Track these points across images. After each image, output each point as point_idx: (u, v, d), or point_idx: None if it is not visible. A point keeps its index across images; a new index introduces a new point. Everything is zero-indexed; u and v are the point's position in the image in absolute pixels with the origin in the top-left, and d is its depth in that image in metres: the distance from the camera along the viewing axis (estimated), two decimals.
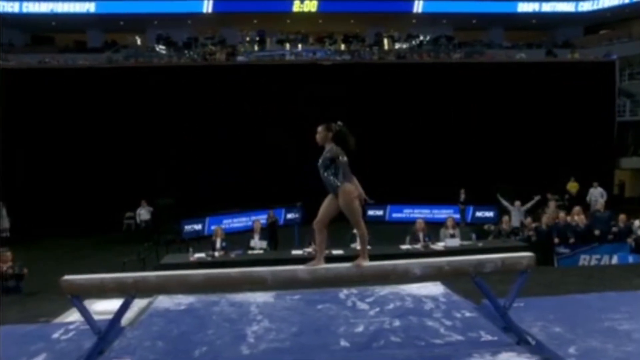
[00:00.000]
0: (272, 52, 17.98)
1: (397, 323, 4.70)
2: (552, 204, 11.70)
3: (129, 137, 15.53)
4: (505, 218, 10.11)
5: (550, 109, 16.61)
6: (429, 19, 22.08)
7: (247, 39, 19.78)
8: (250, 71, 16.38)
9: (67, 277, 3.79)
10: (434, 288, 5.84)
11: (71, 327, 4.65)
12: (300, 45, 20.09)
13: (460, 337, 4.34)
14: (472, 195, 14.63)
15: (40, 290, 6.98)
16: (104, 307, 5.43)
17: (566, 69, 17.58)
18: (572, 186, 16.25)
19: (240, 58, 17.34)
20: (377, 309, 5.15)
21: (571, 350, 3.88)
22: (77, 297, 3.79)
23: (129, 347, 4.32)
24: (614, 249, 9.16)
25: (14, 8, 19.16)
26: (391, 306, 5.24)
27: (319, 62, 16.54)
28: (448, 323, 4.66)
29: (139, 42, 20.70)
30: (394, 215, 15.09)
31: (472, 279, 4.09)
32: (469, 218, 14.51)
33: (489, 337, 4.30)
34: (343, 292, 5.75)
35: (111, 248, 11.85)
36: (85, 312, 3.80)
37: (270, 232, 9.65)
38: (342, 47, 20.40)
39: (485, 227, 10.96)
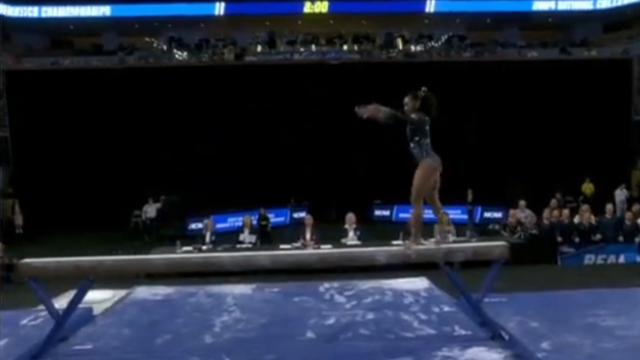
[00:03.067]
0: (281, 54, 17.98)
1: (370, 316, 4.53)
2: (553, 202, 11.31)
3: (139, 136, 15.72)
4: (512, 212, 9.80)
5: (564, 108, 16.10)
6: (441, 19, 21.80)
7: (258, 40, 19.85)
8: (258, 71, 16.42)
9: (25, 260, 3.76)
10: (419, 283, 5.65)
11: (42, 314, 4.60)
12: (313, 47, 20.07)
13: (432, 331, 4.15)
14: (482, 195, 14.26)
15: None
16: (95, 297, 5.46)
17: (581, 67, 17.07)
18: (587, 187, 15.70)
19: (248, 58, 17.40)
20: (354, 302, 4.99)
21: (544, 345, 3.64)
22: (35, 280, 3.73)
23: (94, 334, 4.27)
24: (621, 249, 8.76)
25: (33, 12, 19.70)
26: (369, 300, 5.07)
27: (326, 61, 16.45)
28: (423, 317, 4.47)
29: (160, 44, 20.97)
30: (401, 215, 14.79)
31: (442, 268, 3.91)
32: (477, 218, 14.13)
33: (463, 332, 4.10)
34: (323, 286, 5.60)
35: (116, 244, 11.89)
36: (43, 296, 3.75)
37: (260, 230, 9.59)
38: (355, 47, 20.29)
39: (490, 226, 10.65)
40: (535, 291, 6.06)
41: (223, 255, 3.76)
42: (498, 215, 13.73)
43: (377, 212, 14.99)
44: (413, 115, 3.66)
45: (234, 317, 4.65)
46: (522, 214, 10.39)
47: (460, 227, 11.54)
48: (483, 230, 11.31)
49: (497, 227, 10.18)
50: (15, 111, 15.59)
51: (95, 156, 15.65)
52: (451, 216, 14.47)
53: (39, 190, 15.22)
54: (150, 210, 13.42)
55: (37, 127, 15.32)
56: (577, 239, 9.09)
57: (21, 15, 19.72)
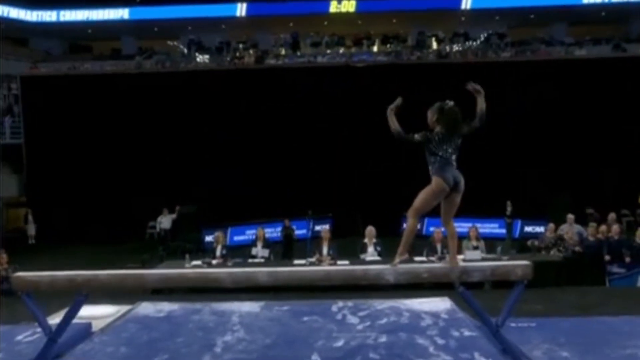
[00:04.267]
0: (304, 56, 18.14)
1: (382, 339, 4.48)
2: (611, 216, 10.90)
3: (156, 143, 16.08)
4: (551, 226, 9.52)
5: (617, 111, 15.57)
6: (479, 16, 21.52)
7: (281, 42, 20.08)
8: (279, 75, 16.57)
9: (18, 273, 3.91)
10: (440, 303, 5.54)
11: (39, 329, 4.75)
12: (342, 49, 20.15)
13: (448, 358, 4.06)
14: (523, 207, 13.90)
15: (37, 292, 7.24)
16: (97, 312, 5.62)
17: (637, 66, 16.45)
18: None
19: (269, 61, 17.62)
20: (367, 324, 4.94)
21: None
22: (28, 294, 3.86)
23: (90, 351, 4.38)
24: None
25: (51, 17, 20.56)
26: (384, 321, 5.00)
27: (351, 64, 16.48)
28: (440, 342, 4.38)
29: (181, 47, 21.53)
30: (432, 229, 14.56)
31: (456, 289, 3.83)
32: (516, 233, 13.76)
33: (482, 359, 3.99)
34: (337, 305, 5.56)
35: (129, 257, 12.19)
36: (35, 311, 3.88)
37: (285, 243, 9.63)
38: (388, 47, 20.26)
39: (529, 242, 10.35)
40: (575, 315, 5.87)
41: (220, 271, 3.81)
42: (540, 229, 13.32)
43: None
44: (416, 136, 3.76)
45: (237, 336, 4.68)
46: (570, 229, 10.05)
47: (497, 243, 11.31)
48: (522, 246, 11.03)
49: (536, 243, 9.87)
50: (30, 118, 16.24)
51: (112, 165, 16.07)
52: (487, 230, 14.30)
53: (53, 199, 15.74)
54: (165, 221, 13.68)
55: (51, 134, 15.88)
56: (628, 258, 8.74)
57: (40, 19, 20.64)
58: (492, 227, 14.23)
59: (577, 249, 8.73)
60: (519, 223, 13.94)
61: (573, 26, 22.52)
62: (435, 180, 3.71)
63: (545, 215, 13.21)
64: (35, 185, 16.15)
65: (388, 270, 3.72)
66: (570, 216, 10.48)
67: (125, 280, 3.84)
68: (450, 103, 3.82)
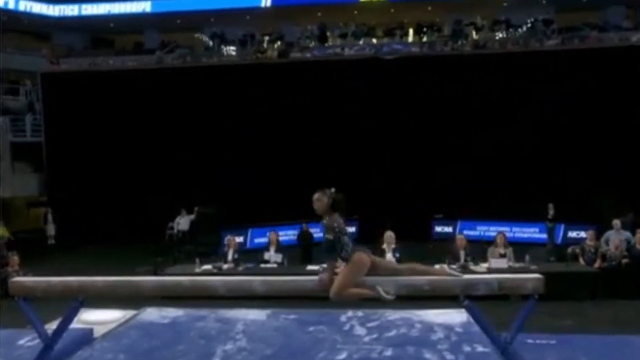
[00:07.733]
0: (330, 48, 18.20)
1: (388, 352, 4.53)
2: None
3: (179, 141, 16.48)
4: (590, 233, 9.29)
5: None
6: (523, 1, 21.01)
7: (307, 34, 20.17)
8: (303, 69, 16.68)
9: (15, 278, 4.14)
10: (456, 315, 5.51)
11: None
12: (375, 40, 20.06)
13: None
14: (568, 210, 13.55)
15: (47, 295, 7.57)
16: (102, 317, 5.87)
17: None
18: None
19: (296, 55, 17.75)
20: (375, 335, 5.00)
21: None
22: (25, 299, 4.09)
23: (89, 358, 4.61)
24: None
25: (73, 11, 21.34)
26: (393, 333, 5.06)
27: (380, 56, 16.43)
28: (449, 357, 4.40)
29: (206, 40, 21.92)
30: (465, 232, 14.38)
31: (461, 302, 3.83)
32: (559, 238, 13.44)
33: None
34: (346, 314, 5.65)
35: (146, 258, 12.50)
36: (32, 316, 4.09)
37: (302, 246, 9.73)
38: (424, 38, 20.06)
39: (569, 249, 10.09)
40: (607, 333, 5.73)
41: (215, 279, 3.94)
42: (585, 235, 12.99)
43: (438, 229, 14.73)
44: (336, 223, 3.77)
45: (239, 345, 4.83)
46: (618, 236, 9.75)
47: (535, 249, 11.10)
48: (563, 253, 10.77)
49: (577, 250, 9.63)
50: (51, 115, 16.92)
51: (133, 163, 16.55)
52: (526, 235, 14.05)
53: (73, 198, 16.35)
54: (183, 222, 14.03)
55: (72, 132, 16.48)
56: None
57: (61, 14, 21.44)
58: (531, 232, 14.00)
59: (625, 261, 8.42)
60: (561, 227, 13.62)
61: (631, 8, 21.68)
62: (361, 256, 3.69)
63: (591, 219, 12.83)
64: (56, 184, 16.81)
65: (388, 283, 3.75)
66: (617, 222, 10.17)
67: (121, 288, 4.01)
68: (333, 190, 3.84)
